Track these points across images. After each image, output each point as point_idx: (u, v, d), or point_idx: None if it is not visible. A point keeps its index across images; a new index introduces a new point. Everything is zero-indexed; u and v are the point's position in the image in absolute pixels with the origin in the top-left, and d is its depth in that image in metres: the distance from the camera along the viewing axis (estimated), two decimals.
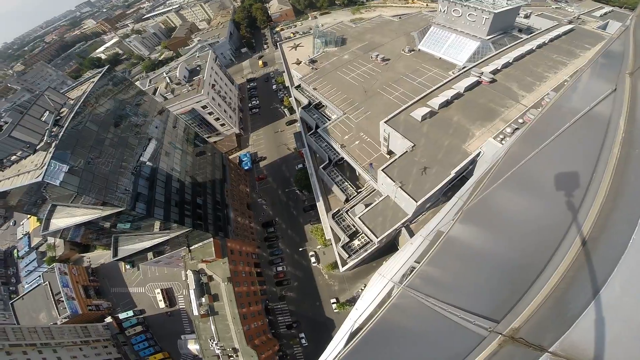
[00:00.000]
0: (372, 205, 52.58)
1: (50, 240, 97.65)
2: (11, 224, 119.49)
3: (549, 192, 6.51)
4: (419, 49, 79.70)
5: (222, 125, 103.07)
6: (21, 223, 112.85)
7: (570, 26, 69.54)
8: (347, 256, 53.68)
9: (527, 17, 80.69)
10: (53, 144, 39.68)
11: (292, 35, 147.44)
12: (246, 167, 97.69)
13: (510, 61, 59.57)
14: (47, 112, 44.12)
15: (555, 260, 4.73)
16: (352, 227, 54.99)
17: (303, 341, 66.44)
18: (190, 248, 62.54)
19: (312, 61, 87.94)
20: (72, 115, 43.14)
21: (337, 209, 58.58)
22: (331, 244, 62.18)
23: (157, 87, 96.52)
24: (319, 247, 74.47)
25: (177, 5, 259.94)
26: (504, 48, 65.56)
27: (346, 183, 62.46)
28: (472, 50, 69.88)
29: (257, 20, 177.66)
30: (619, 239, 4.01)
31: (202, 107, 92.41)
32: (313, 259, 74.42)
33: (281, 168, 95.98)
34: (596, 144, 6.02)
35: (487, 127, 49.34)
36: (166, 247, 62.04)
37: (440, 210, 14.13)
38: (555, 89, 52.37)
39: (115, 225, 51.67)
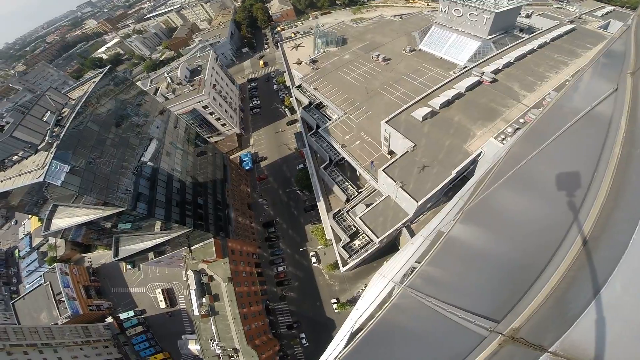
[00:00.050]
0: (373, 205, 52.53)
1: (52, 240, 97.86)
2: (12, 223, 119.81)
3: (550, 192, 6.51)
4: (420, 49, 79.64)
5: (223, 125, 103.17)
6: (22, 223, 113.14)
7: (571, 26, 69.40)
8: (348, 256, 53.66)
9: (528, 16, 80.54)
10: (54, 144, 39.78)
11: (293, 35, 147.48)
12: (247, 167, 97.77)
13: (512, 61, 59.45)
14: (49, 112, 44.27)
15: (556, 260, 4.72)
16: (353, 227, 54.97)
17: (304, 341, 66.44)
18: (191, 248, 62.60)
19: (313, 61, 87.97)
20: (74, 115, 43.24)
21: (337, 209, 58.57)
22: (332, 244, 62.14)
23: (159, 87, 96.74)
24: (319, 247, 74.46)
25: (178, 5, 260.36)
26: (505, 48, 65.43)
27: (347, 183, 62.43)
28: (473, 50, 69.78)
29: (258, 20, 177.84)
30: (620, 238, 4.00)
31: (203, 107, 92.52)
32: (314, 259, 74.40)
33: (282, 168, 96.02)
34: (597, 143, 6.01)
35: (488, 127, 49.25)
36: (167, 247, 62.11)
37: (441, 210, 14.12)
38: (557, 88, 52.25)
39: (116, 226, 51.78)
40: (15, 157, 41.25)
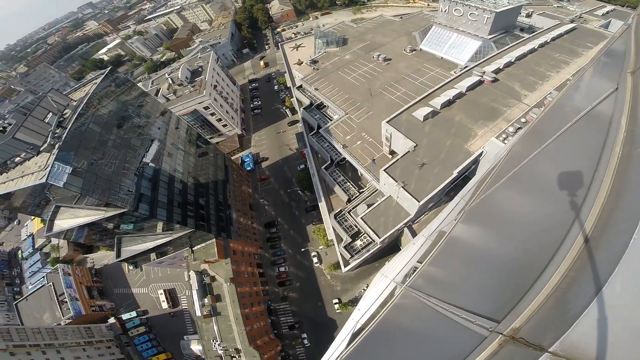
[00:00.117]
0: (375, 205, 52.49)
1: (54, 241, 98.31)
2: (15, 224, 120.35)
3: (551, 192, 6.51)
4: (421, 49, 79.54)
5: (224, 126, 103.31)
6: (25, 224, 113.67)
7: (572, 25, 69.17)
8: (350, 256, 53.64)
9: (528, 16, 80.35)
10: (56, 146, 39.94)
11: (293, 35, 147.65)
12: (248, 168, 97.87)
13: (512, 60, 59.33)
14: (50, 113, 44.38)
15: (556, 259, 4.73)
16: (355, 227, 54.97)
17: (305, 341, 66.47)
18: (193, 249, 62.74)
19: (314, 61, 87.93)
20: (75, 116, 43.36)
21: (339, 209, 58.57)
22: (333, 244, 62.11)
23: (160, 88, 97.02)
24: (321, 247, 74.46)
25: (178, 7, 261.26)
26: (506, 47, 65.30)
27: (348, 183, 62.40)
28: (474, 49, 69.63)
29: (259, 21, 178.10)
30: (621, 238, 4.00)
31: (204, 108, 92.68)
32: (315, 260, 74.41)
33: (283, 168, 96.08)
34: (598, 143, 6.01)
35: (490, 127, 49.15)
36: (169, 248, 62.24)
37: (443, 210, 14.11)
38: (558, 88, 52.13)
39: (118, 226, 51.92)
40: (17, 159, 41.37)
